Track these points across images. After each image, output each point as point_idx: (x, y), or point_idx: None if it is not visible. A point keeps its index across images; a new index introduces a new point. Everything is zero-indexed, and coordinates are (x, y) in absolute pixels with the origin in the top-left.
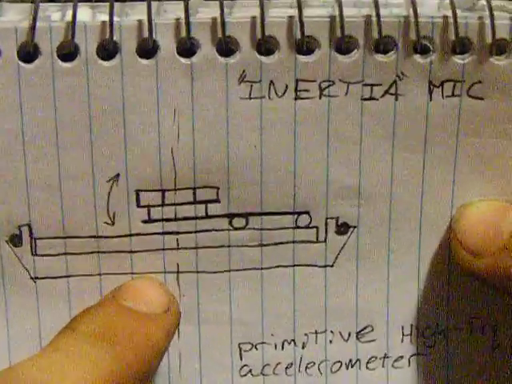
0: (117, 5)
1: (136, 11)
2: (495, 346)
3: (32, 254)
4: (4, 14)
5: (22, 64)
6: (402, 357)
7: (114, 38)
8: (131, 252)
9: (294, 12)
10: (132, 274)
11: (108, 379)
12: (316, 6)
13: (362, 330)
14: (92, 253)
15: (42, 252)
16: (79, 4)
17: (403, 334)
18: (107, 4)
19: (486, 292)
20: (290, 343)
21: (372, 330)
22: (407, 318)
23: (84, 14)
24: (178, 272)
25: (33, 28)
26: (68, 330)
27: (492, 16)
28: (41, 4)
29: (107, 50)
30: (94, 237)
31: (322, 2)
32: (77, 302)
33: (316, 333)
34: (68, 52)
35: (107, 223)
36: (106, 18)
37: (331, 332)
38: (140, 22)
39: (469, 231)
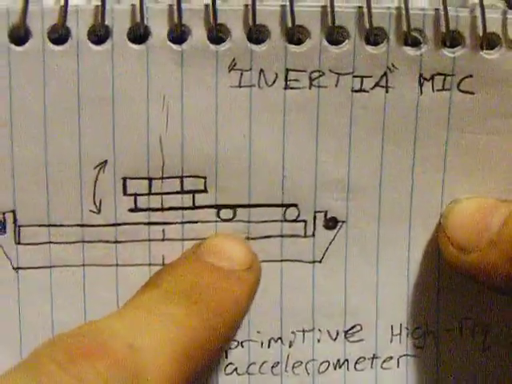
0: None
1: None
2: (486, 347)
3: (15, 243)
4: None
5: (12, 46)
6: (391, 357)
7: (106, 23)
8: (116, 242)
9: (286, 2)
10: (116, 265)
11: (193, 338)
12: None
13: (351, 329)
14: (76, 242)
15: (26, 241)
16: None
17: (392, 334)
18: None
19: (477, 293)
20: (276, 341)
21: (361, 329)
22: (397, 317)
23: None
24: (163, 264)
25: (25, 10)
26: (151, 287)
27: (483, 9)
28: None
29: (99, 35)
30: (79, 225)
31: None
32: (58, 294)
33: (303, 331)
34: (59, 36)
35: (93, 211)
36: (98, 2)
37: (319, 330)
38: (132, 6)
39: (457, 227)
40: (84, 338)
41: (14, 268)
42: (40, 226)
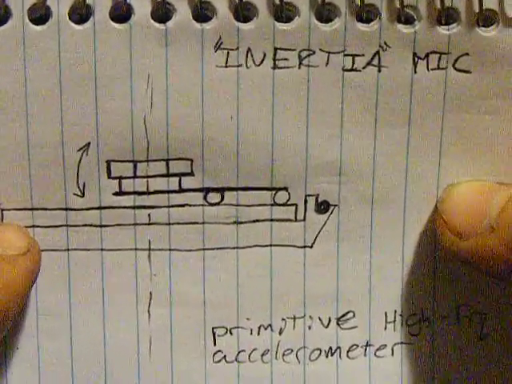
0: None
1: None
2: (483, 335)
3: None
4: None
5: None
6: (385, 345)
7: (88, 1)
8: (101, 226)
9: None
10: (101, 250)
11: None
12: None
13: (343, 316)
14: (60, 226)
15: None
16: None
17: (386, 321)
18: None
19: (473, 279)
20: (266, 328)
21: (353, 316)
22: (391, 304)
23: None
24: (149, 249)
25: None
26: None
27: None
28: None
29: (80, 14)
30: (62, 209)
31: None
32: (42, 278)
33: (294, 318)
34: (40, 15)
35: (77, 195)
36: None
37: (310, 317)
38: None
39: (455, 212)
40: None
41: None
42: (23, 209)
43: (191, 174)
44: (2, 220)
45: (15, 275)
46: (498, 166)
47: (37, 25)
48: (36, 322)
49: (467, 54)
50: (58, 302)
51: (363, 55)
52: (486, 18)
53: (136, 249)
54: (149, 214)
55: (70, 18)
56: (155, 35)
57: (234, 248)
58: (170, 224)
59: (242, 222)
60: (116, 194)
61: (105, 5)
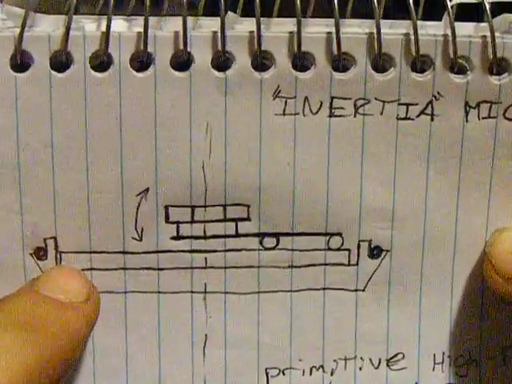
0: (153, 18)
1: (171, 25)
2: None
3: None
4: (39, 24)
5: (54, 73)
6: None
7: (149, 49)
8: (158, 269)
9: (332, 29)
10: (158, 292)
11: (30, 368)
12: (353, 25)
13: (393, 358)
14: (118, 269)
15: None
16: (115, 17)
17: (435, 363)
18: (142, 17)
19: None
20: (318, 369)
21: (403, 357)
22: (439, 345)
23: (119, 26)
24: (205, 292)
25: (66, 36)
26: None
27: None
28: (76, 16)
29: (141, 61)
30: (120, 252)
31: (359, 23)
32: (100, 320)
33: (345, 359)
34: (101, 62)
35: (135, 239)
36: (140, 29)
37: (361, 359)
38: (175, 33)
39: (503, 255)
40: None
41: None
42: (81, 252)
43: (248, 219)
44: (61, 263)
45: (78, 322)
46: None
47: (98, 72)
48: (93, 362)
49: None
50: (114, 342)
51: (417, 104)
52: None
53: (192, 291)
54: (205, 258)
55: (131, 66)
56: (215, 83)
57: (288, 291)
58: (225, 268)
59: (296, 266)
60: (174, 238)
61: (166, 52)
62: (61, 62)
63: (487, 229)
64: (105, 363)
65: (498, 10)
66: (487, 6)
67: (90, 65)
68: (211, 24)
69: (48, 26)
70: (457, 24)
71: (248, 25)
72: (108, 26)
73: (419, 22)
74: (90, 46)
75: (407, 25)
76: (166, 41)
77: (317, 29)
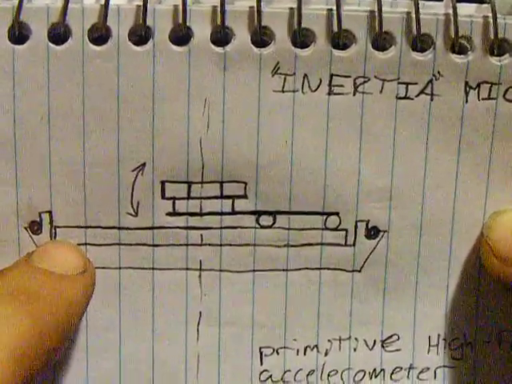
0: None
1: (171, 0)
2: None
3: None
4: None
5: (52, 45)
6: (428, 368)
7: (148, 23)
8: (153, 245)
9: (333, 5)
10: (153, 269)
11: (26, 338)
12: (354, 3)
13: (388, 339)
14: (113, 244)
15: None
16: None
17: (430, 345)
18: None
19: None
20: (312, 349)
21: (398, 338)
22: (434, 327)
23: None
24: (200, 269)
25: (65, 8)
26: None
27: None
28: None
29: (140, 35)
30: (116, 228)
31: (359, 1)
32: (94, 295)
33: (340, 339)
34: (100, 35)
35: (130, 214)
36: (140, 2)
37: (355, 339)
38: (175, 7)
39: (501, 238)
40: None
41: None
42: (76, 227)
43: (244, 196)
44: (56, 237)
45: (75, 293)
46: None
47: (96, 45)
48: (86, 337)
49: None
50: (108, 318)
51: (416, 83)
52: None
53: (187, 269)
54: (201, 235)
55: (129, 39)
56: (214, 58)
57: (283, 270)
58: (221, 245)
59: (292, 246)
60: (169, 214)
61: (165, 27)
62: (59, 34)
63: (485, 211)
64: (98, 339)
65: None
66: None
67: (89, 38)
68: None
69: None
70: (459, 4)
71: (248, 1)
72: None
73: (420, 2)
74: (89, 19)
75: (408, 4)
76: (165, 14)
77: (317, 6)
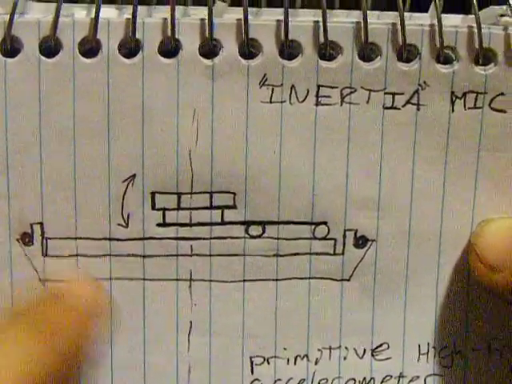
0: (143, 7)
1: (161, 13)
2: None
3: (42, 255)
4: (29, 11)
5: (43, 58)
6: (417, 377)
7: (137, 36)
8: (144, 256)
9: (319, 17)
10: (144, 279)
11: (49, 371)
12: (341, 15)
13: (378, 348)
14: (104, 256)
15: (53, 253)
16: (106, 6)
17: (420, 353)
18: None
19: (505, 313)
20: (302, 358)
21: (388, 347)
22: (424, 336)
23: (109, 13)
24: (190, 280)
25: (56, 22)
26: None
27: None
28: (67, 4)
29: (129, 48)
30: (106, 239)
31: (346, 13)
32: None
33: (330, 348)
34: (90, 48)
35: (121, 225)
36: (129, 15)
37: (346, 348)
38: (164, 20)
39: (488, 245)
40: None
41: (40, 280)
42: (67, 238)
43: (234, 207)
44: (47, 248)
45: (91, 325)
46: None
47: (87, 57)
48: None
49: (503, 93)
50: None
51: (403, 94)
52: None
53: (178, 279)
54: (191, 246)
55: (119, 52)
56: (202, 70)
57: (273, 280)
58: (211, 255)
59: (282, 255)
60: (159, 225)
61: (154, 39)
62: (50, 47)
63: (473, 220)
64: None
65: (486, 5)
66: None
67: (79, 51)
68: (200, 12)
69: (39, 12)
70: (444, 16)
71: (236, 13)
72: (97, 12)
73: (407, 13)
74: (79, 32)
75: (394, 16)
76: (155, 27)
77: (304, 18)
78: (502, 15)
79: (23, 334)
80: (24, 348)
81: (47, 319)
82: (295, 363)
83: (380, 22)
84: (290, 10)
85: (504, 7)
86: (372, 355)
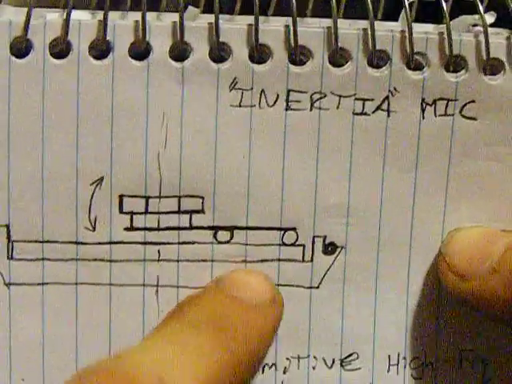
0: (115, 13)
1: (132, 16)
2: (485, 380)
3: (8, 258)
4: (2, 14)
5: (13, 58)
6: None
7: (108, 38)
8: (111, 261)
9: (290, 22)
10: (110, 285)
11: (221, 369)
12: (313, 22)
13: (347, 358)
14: (70, 260)
15: (19, 256)
16: (80, 10)
17: (390, 364)
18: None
19: (477, 324)
20: (270, 367)
21: (357, 357)
22: (394, 346)
23: (81, 15)
24: (157, 285)
25: (27, 23)
26: (174, 318)
27: (487, 34)
28: (41, 8)
29: (100, 50)
30: (73, 243)
31: (318, 20)
32: (50, 311)
33: (298, 358)
34: (60, 49)
35: (88, 228)
36: (101, 17)
37: (314, 358)
38: (135, 22)
39: (458, 254)
40: (114, 373)
41: (5, 283)
42: (34, 241)
43: (202, 211)
44: (12, 251)
45: (266, 325)
46: (502, 212)
47: (57, 58)
48: (42, 354)
49: (473, 101)
50: (65, 335)
51: (373, 100)
52: (493, 67)
53: (144, 285)
54: (158, 251)
55: (89, 53)
56: (172, 73)
57: None
58: (178, 261)
59: (250, 261)
60: (127, 229)
61: (124, 42)
62: (21, 48)
63: (443, 227)
64: (55, 355)
65: (458, 14)
66: (444, 4)
67: (50, 52)
68: (173, 17)
69: (12, 15)
70: (416, 24)
71: (208, 19)
72: (68, 14)
73: (378, 22)
74: (51, 33)
75: (366, 23)
76: (126, 30)
77: (275, 23)
78: (474, 25)
79: (208, 343)
80: (211, 358)
81: (215, 313)
82: (263, 372)
83: (351, 27)
84: (262, 17)
85: (476, 16)
86: (341, 365)
